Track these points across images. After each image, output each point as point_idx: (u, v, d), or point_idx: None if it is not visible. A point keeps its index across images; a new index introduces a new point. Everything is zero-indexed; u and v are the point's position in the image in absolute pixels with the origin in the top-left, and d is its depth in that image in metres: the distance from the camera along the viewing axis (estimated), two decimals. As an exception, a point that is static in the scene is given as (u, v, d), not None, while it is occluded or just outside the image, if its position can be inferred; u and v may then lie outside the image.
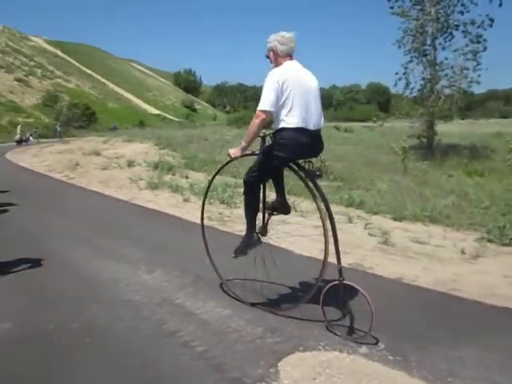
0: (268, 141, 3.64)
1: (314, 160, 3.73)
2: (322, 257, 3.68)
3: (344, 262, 4.78)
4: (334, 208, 7.30)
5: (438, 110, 16.15)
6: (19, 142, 26.87)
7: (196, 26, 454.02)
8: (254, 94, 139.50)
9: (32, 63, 60.28)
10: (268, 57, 3.57)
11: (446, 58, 16.37)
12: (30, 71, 56.62)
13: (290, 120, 3.33)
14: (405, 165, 11.68)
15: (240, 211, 7.24)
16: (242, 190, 7.60)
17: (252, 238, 3.95)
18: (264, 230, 4.06)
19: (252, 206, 3.86)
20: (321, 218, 3.61)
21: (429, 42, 16.43)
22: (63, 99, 49.72)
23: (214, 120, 79.78)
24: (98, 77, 77.22)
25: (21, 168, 14.69)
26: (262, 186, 3.85)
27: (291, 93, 3.28)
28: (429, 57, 16.40)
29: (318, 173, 3.61)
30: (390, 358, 2.90)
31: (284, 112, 3.33)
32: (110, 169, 12.29)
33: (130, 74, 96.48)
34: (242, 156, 3.71)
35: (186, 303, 3.83)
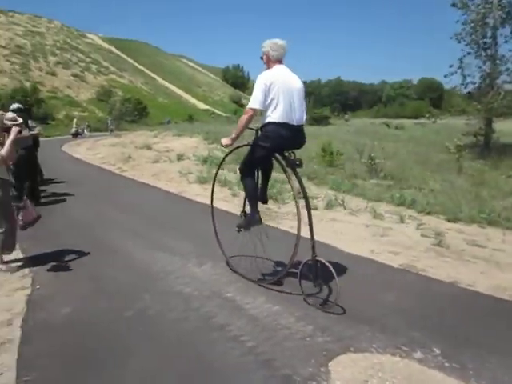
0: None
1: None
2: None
3: (395, 263, 4.70)
4: (384, 207, 7.21)
5: (496, 107, 15.31)
6: (75, 135, 28.03)
7: (245, 21, 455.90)
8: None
9: (88, 59, 62.73)
10: (262, 59, 4.05)
11: (511, 50, 15.46)
12: (86, 67, 58.94)
13: (274, 115, 3.77)
14: (459, 164, 11.19)
15: (289, 207, 7.24)
16: (289, 186, 7.67)
17: (254, 217, 4.43)
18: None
19: (250, 190, 4.32)
20: (294, 200, 4.33)
21: (489, 35, 15.61)
22: (116, 94, 51.43)
23: (261, 115, 79.94)
24: (150, 72, 79.25)
25: (76, 160, 15.34)
26: (255, 174, 4.27)
27: (277, 92, 3.73)
28: (489, 50, 15.58)
29: (297, 162, 4.03)
30: (447, 364, 2.79)
31: (270, 109, 3.78)
32: (161, 162, 12.59)
33: (180, 69, 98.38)
34: (237, 147, 4.37)
35: (235, 297, 3.86)
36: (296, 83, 3.94)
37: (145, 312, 3.60)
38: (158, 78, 79.02)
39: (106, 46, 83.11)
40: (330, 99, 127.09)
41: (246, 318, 3.48)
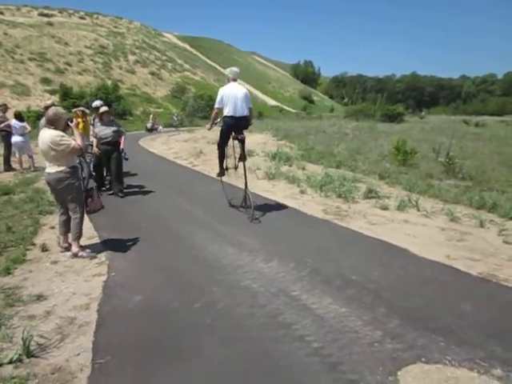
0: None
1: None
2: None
3: (473, 270, 4.41)
4: (461, 209, 6.81)
5: None
6: (150, 130, 29.26)
7: (316, 17, 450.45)
8: (375, 85, 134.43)
9: (164, 57, 65.15)
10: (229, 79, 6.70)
11: None
12: (162, 65, 61.27)
13: (225, 111, 6.46)
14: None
15: (359, 206, 7.06)
16: (360, 184, 7.54)
17: (222, 170, 7.28)
18: (236, 166, 7.20)
19: (220, 156, 7.12)
20: (239, 161, 6.95)
21: None
22: (190, 91, 53.03)
23: (331, 112, 78.62)
24: (222, 69, 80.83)
25: (151, 154, 15.99)
26: (224, 148, 6.96)
27: (226, 99, 6.42)
28: None
29: (239, 137, 6.57)
30: (532, 385, 2.57)
31: (225, 108, 6.46)
32: (231, 158, 12.77)
33: (251, 66, 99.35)
34: (210, 129, 7.17)
35: (301, 296, 3.82)
36: (239, 92, 6.48)
37: (213, 305, 3.67)
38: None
39: (180, 44, 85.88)
40: (405, 95, 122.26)
41: (312, 317, 3.44)
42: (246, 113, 6.47)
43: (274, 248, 5.12)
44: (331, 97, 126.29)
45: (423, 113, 62.18)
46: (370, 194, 7.72)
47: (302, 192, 8.20)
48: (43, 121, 8.03)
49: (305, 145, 14.25)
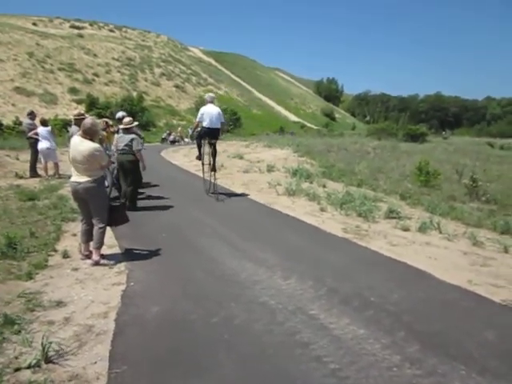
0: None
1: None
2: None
3: (496, 297, 4.30)
4: (485, 233, 6.66)
5: None
6: (173, 142, 29.77)
7: (341, 35, 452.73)
8: (398, 104, 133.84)
9: (189, 71, 66.25)
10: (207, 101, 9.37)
11: None
12: (187, 78, 62.29)
13: (203, 124, 9.04)
14: None
15: (379, 226, 6.99)
16: (381, 203, 7.45)
17: (201, 155, 9.55)
18: (205, 158, 9.72)
19: (197, 146, 9.62)
20: (209, 154, 9.50)
21: None
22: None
23: (353, 129, 78.42)
24: (245, 84, 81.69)
25: (172, 165, 16.18)
26: (200, 143, 9.53)
27: (205, 115, 9.00)
28: None
29: (212, 141, 9.26)
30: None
31: (204, 121, 9.02)
32: (251, 172, 12.84)
33: (274, 82, 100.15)
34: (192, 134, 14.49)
35: (319, 316, 3.77)
36: (214, 111, 9.10)
37: (231, 320, 3.65)
38: (252, 89, 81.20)
39: (205, 58, 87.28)
40: (428, 115, 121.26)
41: (330, 338, 3.39)
42: (218, 126, 9.20)
43: (293, 265, 5.08)
44: (353, 114, 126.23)
45: (445, 133, 61.42)
46: (391, 214, 7.64)
47: (322, 209, 8.16)
48: (75, 129, 8.26)
49: (326, 162, 14.23)
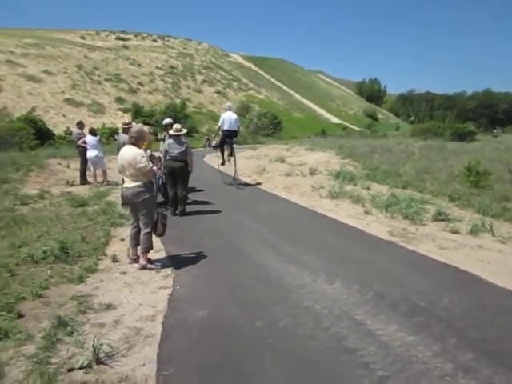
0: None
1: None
2: None
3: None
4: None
5: None
6: (215, 147, 30.19)
7: (383, 33, 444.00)
8: (443, 102, 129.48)
9: (230, 77, 67.22)
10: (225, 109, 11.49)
11: None
12: (228, 84, 63.23)
13: (223, 128, 11.11)
14: None
15: (426, 229, 6.77)
16: (428, 206, 7.21)
17: (223, 160, 11.89)
18: (228, 159, 11.77)
19: (220, 153, 11.97)
20: (230, 155, 11.67)
21: None
22: (254, 109, 54.02)
23: (397, 130, 76.58)
24: (286, 88, 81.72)
25: (216, 170, 16.38)
26: (223, 148, 11.83)
27: (224, 120, 11.03)
28: None
29: (231, 141, 11.47)
30: None
31: (224, 125, 11.06)
32: (293, 175, 12.76)
33: (315, 84, 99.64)
34: (215, 138, 13.65)
35: (366, 321, 3.69)
36: (232, 116, 11.08)
37: (275, 324, 3.64)
38: (293, 92, 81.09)
39: (246, 63, 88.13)
40: (476, 113, 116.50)
41: (377, 344, 3.30)
42: (236, 128, 11.25)
43: (337, 268, 5.01)
44: (397, 115, 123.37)
45: (496, 131, 58.74)
46: (440, 216, 7.37)
47: (367, 212, 7.99)
48: (123, 137, 8.55)
49: (369, 164, 13.95)
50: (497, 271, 4.94)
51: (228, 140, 11.37)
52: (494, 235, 6.42)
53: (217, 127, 11.53)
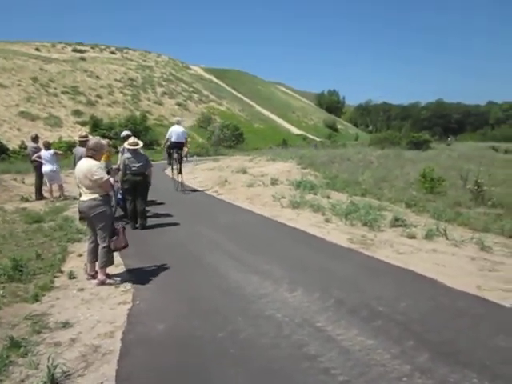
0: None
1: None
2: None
3: (507, 302, 4.26)
4: (492, 238, 6.61)
5: None
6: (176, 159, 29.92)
7: (340, 46, 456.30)
8: (399, 113, 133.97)
9: (190, 89, 66.88)
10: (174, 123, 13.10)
11: None
12: (189, 96, 62.88)
13: (172, 139, 12.34)
14: None
15: (385, 235, 6.95)
16: (386, 212, 7.38)
17: (170, 163, 13.14)
18: (177, 168, 12.91)
19: (169, 160, 13.01)
20: (177, 167, 12.87)
21: None
22: (215, 121, 54.00)
23: (356, 140, 78.42)
24: (247, 99, 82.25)
25: (176, 182, 16.20)
26: (173, 158, 12.76)
27: (172, 133, 12.32)
28: None
29: (179, 152, 12.52)
30: None
31: (172, 137, 12.31)
32: (255, 186, 12.81)
33: (275, 96, 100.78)
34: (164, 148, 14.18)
35: (327, 327, 3.73)
36: (180, 129, 12.42)
37: (237, 335, 3.63)
38: (254, 104, 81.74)
39: (206, 76, 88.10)
40: (431, 122, 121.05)
41: (338, 349, 3.35)
42: (183, 140, 12.43)
43: (299, 277, 5.05)
44: (356, 125, 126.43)
45: (449, 139, 61.27)
46: (397, 222, 7.59)
47: (327, 220, 8.13)
48: (80, 150, 8.34)
49: (329, 173, 14.22)
50: (451, 274, 5.12)
51: (176, 150, 12.59)
52: (447, 239, 6.66)
53: (165, 140, 12.95)
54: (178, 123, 12.85)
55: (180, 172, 12.73)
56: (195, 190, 13.30)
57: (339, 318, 3.93)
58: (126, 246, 5.32)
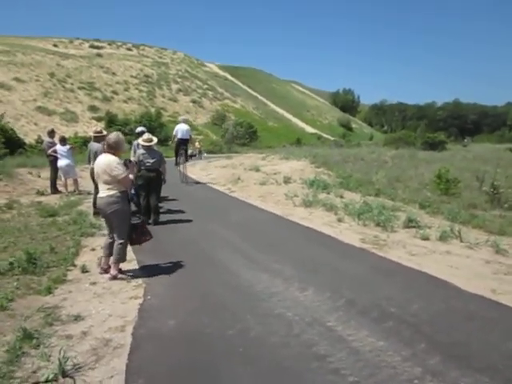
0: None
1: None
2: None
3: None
4: (508, 241, 6.48)
5: None
6: (190, 156, 29.99)
7: (356, 45, 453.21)
8: (415, 113, 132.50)
9: (205, 86, 67.02)
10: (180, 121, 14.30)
11: None
12: (203, 93, 63.01)
13: (177, 137, 13.69)
14: None
15: (397, 236, 6.88)
16: (399, 213, 7.28)
17: (176, 162, 14.37)
18: (183, 162, 14.26)
19: (176, 156, 14.27)
20: (183, 159, 14.21)
21: None
22: (229, 118, 54.06)
23: (371, 139, 77.77)
24: (261, 98, 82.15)
25: (191, 180, 16.27)
26: (179, 153, 14.10)
27: (177, 130, 13.63)
28: None
29: (184, 148, 13.91)
30: None
31: (178, 134, 13.61)
32: (268, 184, 12.81)
33: (290, 94, 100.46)
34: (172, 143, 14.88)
35: (337, 327, 3.71)
36: (184, 127, 13.65)
37: (247, 332, 3.62)
38: (268, 102, 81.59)
39: (221, 73, 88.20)
40: (447, 123, 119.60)
41: (348, 350, 3.33)
42: (187, 137, 13.76)
43: (310, 276, 5.04)
44: (370, 124, 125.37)
45: (466, 140, 60.40)
46: (410, 223, 7.52)
47: (340, 220, 8.08)
48: (94, 146, 8.42)
49: (343, 172, 14.13)
50: (465, 276, 5.06)
51: (182, 146, 13.89)
52: (462, 241, 6.58)
53: (172, 136, 14.09)
54: (184, 121, 14.09)
55: (186, 160, 14.36)
56: (198, 183, 14.71)
57: (350, 318, 3.91)
58: (150, 239, 5.52)
